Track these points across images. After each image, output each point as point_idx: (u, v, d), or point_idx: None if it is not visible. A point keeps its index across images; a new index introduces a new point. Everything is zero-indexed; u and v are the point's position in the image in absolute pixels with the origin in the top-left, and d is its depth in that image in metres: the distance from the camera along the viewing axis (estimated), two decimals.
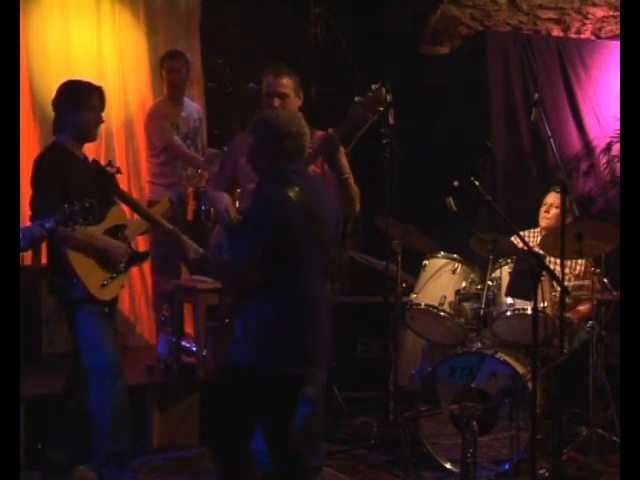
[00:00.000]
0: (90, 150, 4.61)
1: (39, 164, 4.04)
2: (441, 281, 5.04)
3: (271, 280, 3.33)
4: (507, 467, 4.42)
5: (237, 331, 3.70)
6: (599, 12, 6.96)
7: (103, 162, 4.19)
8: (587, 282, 5.06)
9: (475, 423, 4.00)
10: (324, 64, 7.03)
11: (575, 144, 6.82)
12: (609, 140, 6.65)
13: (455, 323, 4.97)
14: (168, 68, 5.82)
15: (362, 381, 5.69)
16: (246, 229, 3.44)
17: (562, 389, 4.66)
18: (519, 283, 4.29)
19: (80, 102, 4.06)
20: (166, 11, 6.58)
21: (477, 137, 4.88)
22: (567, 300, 4.80)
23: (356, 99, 3.83)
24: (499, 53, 6.78)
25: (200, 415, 4.97)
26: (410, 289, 5.22)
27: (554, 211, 5.29)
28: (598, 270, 4.93)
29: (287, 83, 4.13)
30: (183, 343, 5.44)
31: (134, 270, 6.00)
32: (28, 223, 3.70)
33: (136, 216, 4.36)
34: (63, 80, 4.23)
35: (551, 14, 6.99)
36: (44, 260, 4.56)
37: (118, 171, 4.09)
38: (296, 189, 3.34)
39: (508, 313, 4.83)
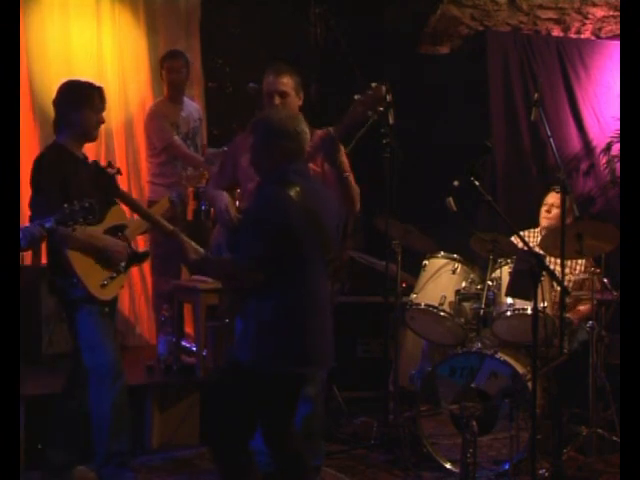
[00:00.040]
0: (90, 150, 4.62)
1: (39, 164, 4.04)
2: (441, 281, 5.04)
3: (272, 280, 3.33)
4: (507, 467, 4.42)
5: (237, 331, 3.70)
6: (599, 12, 6.96)
7: (103, 162, 4.20)
8: (586, 275, 5.07)
9: (475, 423, 4.00)
10: (324, 64, 7.03)
11: (575, 144, 6.81)
12: (609, 140, 6.65)
13: (455, 323, 4.97)
14: (168, 68, 5.82)
15: (362, 381, 5.69)
16: (247, 229, 3.44)
17: (562, 389, 4.66)
18: (519, 283, 4.29)
19: (81, 102, 4.06)
20: (166, 11, 6.58)
21: (477, 137, 4.87)
22: (567, 300, 4.80)
23: (356, 97, 3.83)
24: (499, 53, 6.78)
25: (200, 415, 4.97)
26: (410, 289, 5.22)
27: (555, 211, 5.29)
28: (598, 270, 4.93)
29: (288, 82, 4.13)
30: (183, 343, 5.44)
31: (134, 270, 6.00)
32: (28, 223, 3.69)
33: (136, 216, 4.36)
34: (63, 80, 4.23)
35: (551, 14, 6.99)
36: (44, 260, 4.56)
37: (118, 172, 4.10)
38: (297, 189, 3.35)
39: (508, 313, 4.83)
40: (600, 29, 7.13)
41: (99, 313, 4.06)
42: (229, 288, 3.78)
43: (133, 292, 6.29)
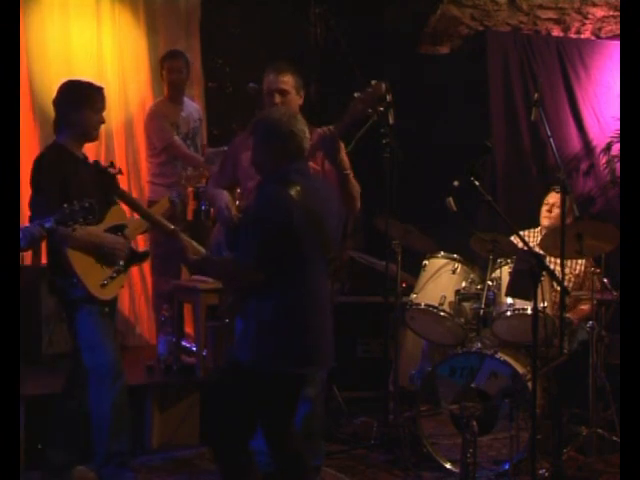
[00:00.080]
0: (90, 150, 4.62)
1: (39, 164, 4.04)
2: (441, 281, 5.04)
3: (272, 279, 3.33)
4: (507, 467, 4.42)
5: (237, 331, 3.70)
6: (599, 12, 6.96)
7: (103, 162, 4.19)
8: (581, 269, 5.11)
9: (475, 423, 4.00)
10: (324, 64, 7.03)
11: (575, 144, 6.81)
12: (609, 140, 6.65)
13: (455, 323, 4.97)
14: (168, 68, 5.82)
15: (362, 381, 5.69)
16: (247, 228, 3.44)
17: (562, 389, 4.66)
18: (519, 283, 4.29)
19: (82, 102, 4.06)
20: (166, 11, 6.58)
21: (477, 137, 4.87)
22: (567, 300, 4.80)
23: (356, 95, 3.83)
24: (499, 53, 6.78)
25: (200, 415, 4.97)
26: (410, 289, 5.22)
27: (557, 210, 5.28)
28: (598, 270, 4.93)
29: (288, 80, 4.13)
30: (183, 343, 5.44)
31: (134, 270, 6.00)
32: (28, 223, 3.69)
33: (136, 216, 4.36)
34: (63, 80, 4.23)
35: (551, 14, 6.99)
36: (44, 260, 4.56)
37: (120, 172, 4.09)
38: (297, 188, 3.35)
39: (508, 313, 4.83)
40: (600, 29, 7.13)
41: (99, 313, 4.06)
42: (229, 288, 3.78)
43: (133, 292, 6.29)
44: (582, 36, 7.16)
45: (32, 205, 3.95)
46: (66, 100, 4.10)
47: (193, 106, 6.06)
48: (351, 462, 4.82)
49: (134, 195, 5.91)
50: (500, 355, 4.66)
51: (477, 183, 3.93)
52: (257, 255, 3.32)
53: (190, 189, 5.59)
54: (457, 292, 4.97)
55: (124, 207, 4.32)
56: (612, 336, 4.91)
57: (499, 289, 4.87)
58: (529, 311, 4.45)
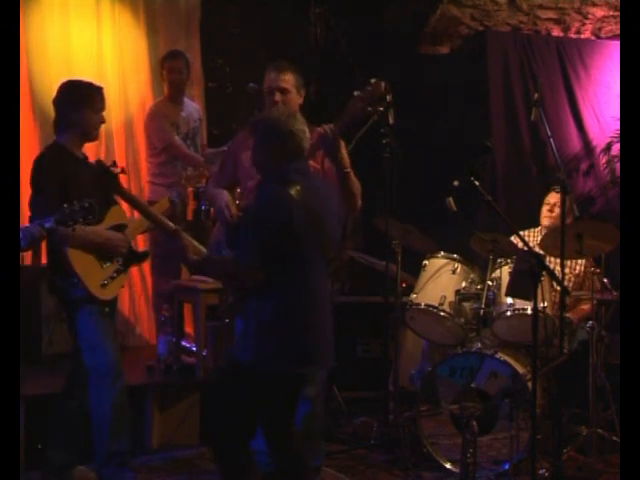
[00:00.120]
0: (90, 150, 4.61)
1: (39, 164, 4.04)
2: (441, 281, 5.04)
3: (272, 279, 3.33)
4: (507, 467, 4.42)
5: (237, 331, 3.71)
6: (599, 12, 6.96)
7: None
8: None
9: (475, 423, 4.00)
10: (324, 64, 7.03)
11: (575, 144, 6.81)
12: (609, 140, 6.65)
13: (455, 323, 4.97)
14: (169, 68, 5.82)
15: (362, 381, 5.69)
16: (248, 228, 3.44)
17: (562, 389, 4.66)
18: (519, 283, 4.29)
19: (82, 102, 4.07)
20: (166, 11, 6.58)
21: (477, 137, 4.88)
22: (567, 300, 4.80)
23: (355, 93, 3.83)
24: (499, 53, 6.77)
25: (200, 415, 4.97)
26: (410, 289, 5.22)
27: (558, 210, 5.27)
28: (598, 270, 4.93)
29: (289, 79, 4.14)
30: (183, 343, 5.43)
31: (134, 270, 6.00)
32: (28, 223, 3.69)
33: (136, 215, 4.36)
34: (63, 80, 4.23)
35: (551, 14, 6.99)
36: (44, 260, 4.56)
37: (122, 171, 4.09)
38: (297, 188, 3.35)
39: (508, 313, 4.83)
40: (600, 29, 7.13)
41: (99, 313, 4.06)
42: (229, 288, 3.78)
43: (133, 292, 6.29)
44: (582, 36, 7.16)
45: (32, 205, 3.95)
46: (66, 100, 4.10)
47: (193, 106, 6.06)
48: (351, 462, 4.82)
49: None
50: (500, 355, 4.66)
51: (477, 183, 3.93)
52: (257, 255, 3.32)
53: (190, 189, 5.59)
54: (457, 292, 4.97)
55: (124, 207, 4.33)
56: (612, 336, 4.91)
57: (499, 289, 4.88)
58: (529, 311, 4.45)
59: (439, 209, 4.43)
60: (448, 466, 4.59)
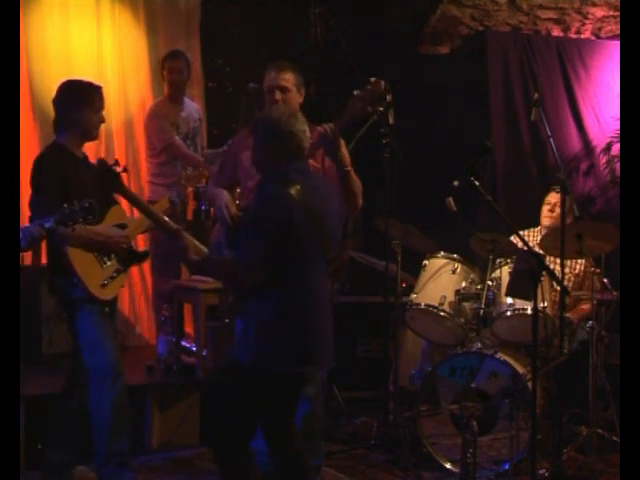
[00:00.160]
0: (90, 150, 4.61)
1: (39, 164, 4.04)
2: (441, 281, 5.04)
3: (272, 279, 3.33)
4: (507, 467, 4.42)
5: (237, 331, 3.71)
6: (599, 12, 6.96)
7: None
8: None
9: (475, 423, 4.00)
10: (324, 64, 7.03)
11: (575, 144, 6.81)
12: (609, 140, 6.65)
13: (455, 323, 4.97)
14: (169, 68, 5.81)
15: (362, 381, 5.69)
16: (248, 227, 3.44)
17: (562, 389, 4.66)
18: (519, 283, 4.29)
19: (81, 102, 4.07)
20: (166, 11, 6.58)
21: (477, 137, 4.88)
22: (567, 300, 4.80)
23: (355, 93, 3.83)
24: (499, 53, 6.77)
25: (200, 415, 4.97)
26: (410, 289, 5.22)
27: (558, 210, 5.27)
28: (598, 270, 4.93)
29: (289, 78, 4.14)
30: (183, 343, 5.44)
31: (134, 270, 6.00)
32: (28, 223, 3.69)
33: (136, 215, 4.36)
34: (63, 80, 4.23)
35: (551, 14, 6.99)
36: (44, 260, 4.56)
37: (125, 170, 4.09)
38: (298, 187, 3.34)
39: (508, 313, 4.83)
40: (600, 29, 7.13)
41: (99, 313, 4.06)
42: (229, 288, 3.78)
43: (133, 292, 6.29)
44: (582, 36, 7.16)
45: (32, 205, 3.95)
46: (66, 100, 4.10)
47: (193, 106, 6.06)
48: (351, 462, 4.82)
49: None
50: (500, 355, 4.66)
51: (477, 183, 3.93)
52: (257, 254, 3.32)
53: (190, 189, 5.59)
54: (457, 292, 4.97)
55: (124, 207, 4.33)
56: (612, 336, 4.91)
57: (499, 289, 4.88)
58: (529, 311, 4.45)
59: (439, 209, 4.43)
60: (448, 466, 4.59)
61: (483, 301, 4.85)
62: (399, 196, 4.82)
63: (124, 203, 4.43)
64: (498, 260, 4.99)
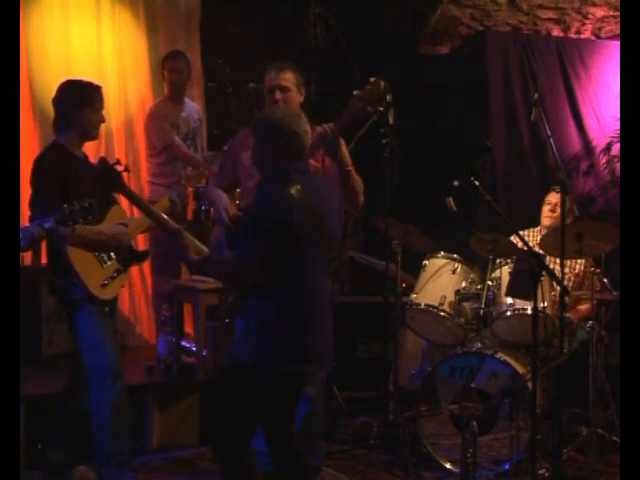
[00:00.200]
0: (90, 150, 4.61)
1: (39, 164, 4.04)
2: (441, 281, 5.04)
3: (272, 279, 3.33)
4: (507, 467, 4.42)
5: (238, 330, 3.70)
6: (599, 12, 6.96)
7: None
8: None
9: (475, 423, 4.00)
10: (324, 64, 7.03)
11: (575, 144, 6.81)
12: (609, 140, 6.65)
13: (455, 323, 4.97)
14: (170, 68, 5.81)
15: (362, 381, 5.69)
16: (248, 227, 3.44)
17: (562, 389, 4.66)
18: (519, 283, 4.29)
19: (82, 102, 4.07)
20: (166, 11, 6.58)
21: (477, 137, 4.88)
22: (567, 300, 4.80)
23: (355, 93, 3.83)
24: (499, 53, 6.77)
25: (200, 415, 4.97)
26: (410, 289, 5.22)
27: (559, 210, 5.28)
28: (598, 270, 4.93)
29: (290, 77, 4.14)
30: (183, 343, 5.44)
31: (134, 270, 6.00)
32: (28, 223, 3.69)
33: (137, 215, 4.36)
34: (63, 80, 4.23)
35: (551, 14, 6.99)
36: (44, 260, 4.56)
37: (126, 169, 4.09)
38: (298, 187, 3.34)
39: (508, 313, 4.83)
40: (600, 29, 7.13)
41: (99, 313, 4.06)
42: (230, 287, 3.78)
43: (133, 292, 6.29)
44: (582, 36, 7.16)
45: (32, 205, 3.95)
46: (66, 100, 4.10)
47: (193, 106, 6.06)
48: (351, 462, 4.82)
49: None
50: (500, 355, 4.66)
51: (477, 183, 3.93)
52: (257, 254, 3.32)
53: (190, 189, 5.58)
54: (457, 292, 4.97)
55: (124, 207, 4.32)
56: (612, 336, 4.91)
57: (499, 289, 4.87)
58: (529, 311, 4.45)
59: (439, 209, 4.43)
60: (448, 466, 4.59)
61: (483, 301, 4.85)
62: (399, 196, 4.82)
63: (124, 203, 4.43)
64: (498, 260, 4.99)
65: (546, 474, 4.37)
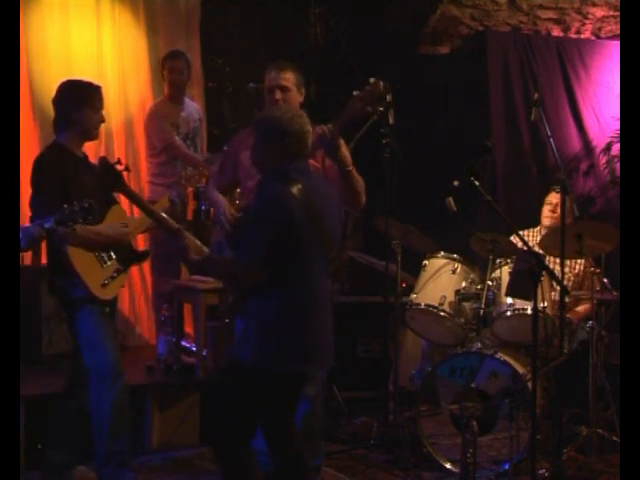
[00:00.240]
0: (90, 150, 4.61)
1: (39, 164, 4.04)
2: (441, 281, 5.04)
3: (273, 279, 3.33)
4: (507, 467, 4.42)
5: (238, 330, 3.70)
6: (599, 12, 6.96)
7: None
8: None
9: (475, 423, 4.00)
10: (324, 64, 7.03)
11: (575, 144, 6.81)
12: (609, 140, 6.65)
13: (455, 323, 4.97)
14: (170, 68, 5.81)
15: (362, 381, 5.69)
16: (249, 227, 3.44)
17: (562, 389, 4.66)
18: (519, 283, 4.29)
19: (82, 102, 4.07)
20: (166, 11, 6.58)
21: (477, 137, 4.88)
22: (567, 300, 4.80)
23: (354, 93, 3.83)
24: (499, 53, 6.78)
25: (200, 415, 4.97)
26: (410, 289, 5.22)
27: (560, 210, 5.28)
28: (598, 270, 4.93)
29: (290, 77, 4.14)
30: (183, 343, 5.44)
31: (134, 270, 6.00)
32: (28, 223, 3.69)
33: (137, 215, 4.36)
34: (63, 80, 4.23)
35: (551, 14, 6.99)
36: (44, 260, 4.56)
37: (127, 169, 4.09)
38: (298, 187, 3.34)
39: (508, 313, 4.83)
40: (600, 29, 7.13)
41: (100, 313, 4.06)
42: (230, 287, 3.78)
43: (133, 292, 6.29)
44: (582, 36, 7.16)
45: (32, 205, 3.95)
46: (66, 99, 4.10)
47: (193, 106, 6.06)
48: (351, 462, 4.82)
49: None
50: (500, 355, 4.66)
51: (477, 183, 3.93)
52: (258, 254, 3.32)
53: (190, 189, 5.58)
54: (457, 292, 4.97)
55: (124, 207, 4.32)
56: (612, 336, 4.91)
57: (499, 289, 4.88)
58: (529, 311, 4.45)
59: (439, 209, 4.43)
60: (448, 466, 4.59)
61: (483, 301, 4.85)
62: (399, 196, 4.82)
63: (124, 203, 4.43)
64: (498, 260, 4.99)
65: (546, 474, 4.37)
